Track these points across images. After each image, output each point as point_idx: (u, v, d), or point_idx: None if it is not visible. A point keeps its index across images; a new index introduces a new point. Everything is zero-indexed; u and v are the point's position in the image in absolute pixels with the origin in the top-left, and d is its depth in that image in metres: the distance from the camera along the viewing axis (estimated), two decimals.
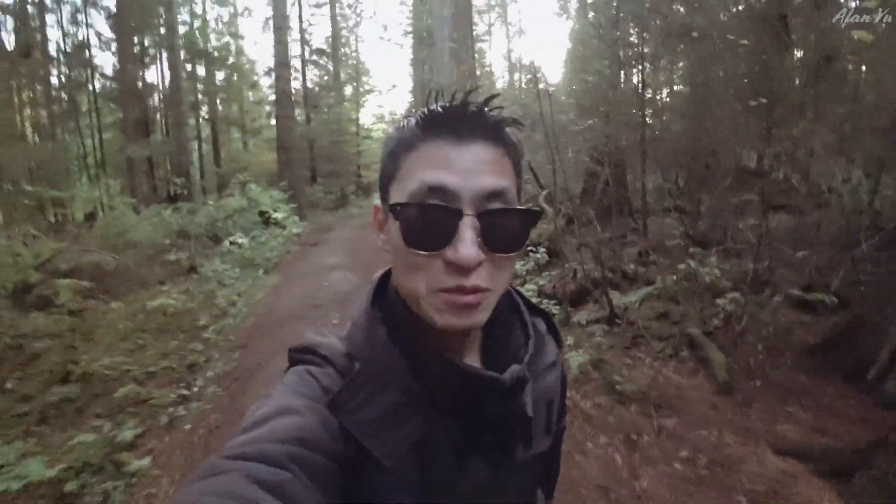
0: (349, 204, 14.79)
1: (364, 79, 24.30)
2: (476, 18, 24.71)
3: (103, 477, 2.02)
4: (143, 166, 13.36)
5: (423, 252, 0.45)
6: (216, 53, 19.15)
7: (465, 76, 7.84)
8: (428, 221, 0.45)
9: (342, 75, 22.18)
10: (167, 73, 15.67)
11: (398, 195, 0.47)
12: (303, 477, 0.41)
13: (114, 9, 12.91)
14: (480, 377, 0.49)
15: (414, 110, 0.52)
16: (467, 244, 0.44)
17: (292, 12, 18.22)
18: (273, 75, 16.18)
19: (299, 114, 17.70)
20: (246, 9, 20.82)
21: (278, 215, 9.08)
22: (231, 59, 20.23)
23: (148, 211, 7.93)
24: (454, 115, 0.47)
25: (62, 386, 2.79)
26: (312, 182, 15.98)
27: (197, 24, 18.49)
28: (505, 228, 0.47)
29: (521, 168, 0.52)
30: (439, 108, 0.48)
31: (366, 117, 23.86)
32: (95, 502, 1.90)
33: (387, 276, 0.57)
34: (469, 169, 0.45)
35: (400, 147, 0.49)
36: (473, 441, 0.51)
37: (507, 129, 0.50)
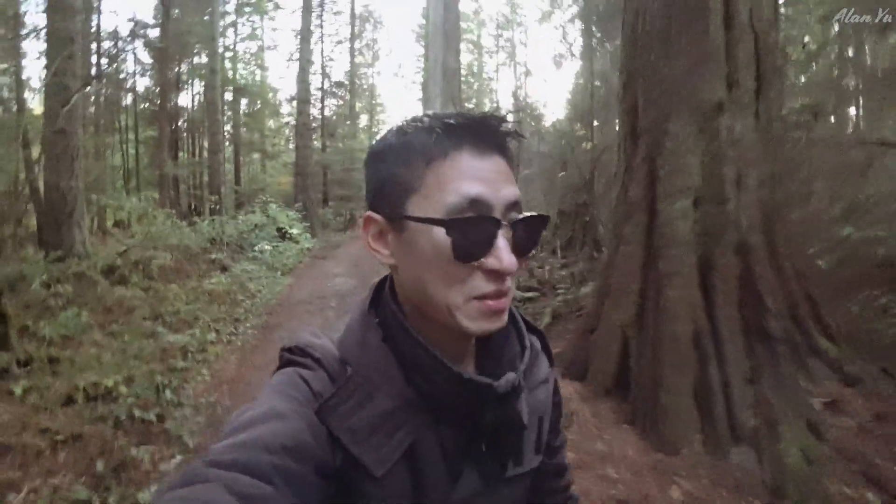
0: (357, 226, 16.62)
1: (378, 109, 26.88)
2: (486, 58, 27.12)
3: (199, 354, 3.74)
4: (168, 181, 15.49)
5: (468, 264, 0.47)
6: (243, 83, 21.53)
7: (452, 97, 9.54)
8: (470, 234, 0.46)
9: (357, 106, 24.60)
10: (194, 97, 18.15)
11: (429, 208, 0.48)
12: (286, 492, 0.41)
13: (157, 41, 15.08)
14: (476, 383, 0.49)
15: (406, 121, 0.52)
16: (508, 252, 0.47)
17: (316, 49, 20.74)
18: (294, 107, 18.50)
19: (316, 138, 19.93)
20: (273, 44, 23.22)
21: (294, 231, 10.89)
22: (256, 89, 22.58)
23: (185, 221, 9.80)
24: (476, 126, 0.49)
25: (156, 322, 4.49)
26: (324, 204, 17.92)
27: (229, 55, 20.88)
28: (529, 235, 0.50)
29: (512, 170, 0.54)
30: (460, 119, 0.49)
31: None
32: (199, 357, 3.64)
33: (383, 282, 0.58)
34: (495, 180, 0.48)
35: (418, 156, 0.49)
36: (467, 450, 0.52)
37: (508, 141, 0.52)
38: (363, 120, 25.90)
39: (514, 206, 0.49)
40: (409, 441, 0.49)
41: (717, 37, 2.78)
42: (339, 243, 12.71)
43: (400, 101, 45.99)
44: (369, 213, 0.53)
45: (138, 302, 5.08)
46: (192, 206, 14.30)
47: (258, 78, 24.01)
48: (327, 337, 0.57)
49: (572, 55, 14.64)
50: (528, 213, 0.50)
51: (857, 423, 2.36)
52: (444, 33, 12.04)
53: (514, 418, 0.54)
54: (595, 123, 9.03)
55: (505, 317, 0.50)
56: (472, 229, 0.46)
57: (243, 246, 9.74)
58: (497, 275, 0.47)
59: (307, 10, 17.21)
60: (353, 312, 0.58)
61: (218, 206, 11.16)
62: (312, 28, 18.71)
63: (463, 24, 22.20)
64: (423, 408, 0.50)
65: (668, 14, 2.93)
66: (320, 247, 11.65)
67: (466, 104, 19.98)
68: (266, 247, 8.86)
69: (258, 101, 22.66)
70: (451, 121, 0.49)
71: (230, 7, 19.26)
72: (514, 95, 25.88)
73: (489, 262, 0.46)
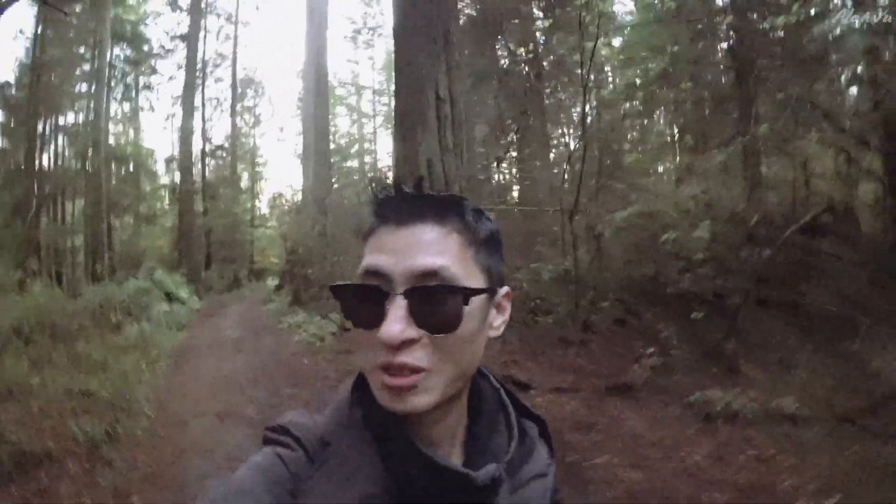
0: (242, 286, 17.85)
1: (259, 170, 28.39)
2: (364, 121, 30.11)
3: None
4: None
5: (361, 330, 0.50)
6: (115, 146, 21.96)
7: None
8: (360, 302, 0.49)
9: (239, 168, 25.96)
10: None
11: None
12: None
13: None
14: (451, 472, 0.49)
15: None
16: (390, 322, 0.46)
17: (197, 113, 22.12)
18: (173, 168, 19.58)
19: (197, 202, 20.93)
20: (150, 105, 24.08)
21: (182, 294, 12.20)
22: (130, 151, 23.04)
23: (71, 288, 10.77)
24: (395, 201, 0.52)
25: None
26: (207, 267, 18.89)
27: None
28: (435, 306, 0.48)
29: (481, 242, 0.53)
30: (387, 195, 0.53)
31: (264, 204, 27.83)
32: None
33: None
34: (402, 250, 0.49)
35: (364, 235, 0.54)
36: None
37: (464, 208, 0.53)
38: (245, 181, 27.15)
39: (427, 276, 0.48)
40: None
41: None
42: (225, 303, 14.07)
43: (283, 162, 47.63)
44: None
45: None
46: (56, 273, 14.57)
47: (131, 138, 24.49)
48: (314, 416, 0.58)
49: None
50: (428, 284, 0.48)
51: None
52: (315, 95, 14.66)
53: None
54: None
55: (417, 400, 0.48)
56: (356, 296, 0.50)
57: (131, 311, 10.87)
58: (384, 345, 0.46)
59: (190, 81, 18.90)
60: (342, 389, 0.59)
61: (102, 272, 12.15)
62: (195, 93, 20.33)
63: (342, 91, 25.19)
64: (400, 498, 0.49)
65: None
66: (207, 306, 12.98)
67: (343, 164, 22.42)
68: (164, 308, 10.25)
69: (131, 163, 23.04)
70: (382, 197, 0.53)
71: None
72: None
73: (378, 331, 0.47)
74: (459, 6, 12.07)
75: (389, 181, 0.56)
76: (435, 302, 0.48)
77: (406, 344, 0.47)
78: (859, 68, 8.30)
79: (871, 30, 7.48)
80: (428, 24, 5.00)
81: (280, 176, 51.69)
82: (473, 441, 0.58)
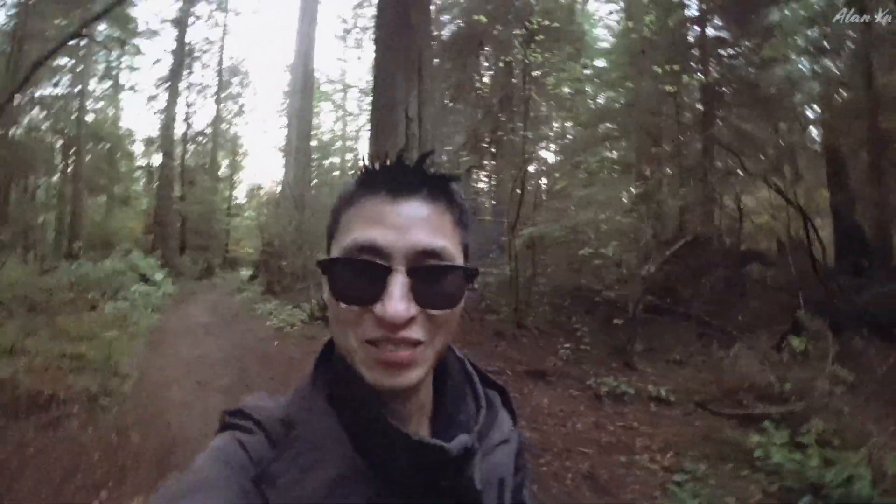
0: (214, 275, 18.32)
1: (239, 160, 28.79)
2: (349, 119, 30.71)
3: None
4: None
5: (353, 307, 0.48)
6: (93, 124, 22.09)
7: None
8: (357, 277, 0.48)
9: (220, 155, 26.35)
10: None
11: (334, 252, 0.51)
12: None
13: None
14: (425, 446, 0.49)
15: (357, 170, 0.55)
16: (395, 299, 0.46)
17: (181, 98, 22.49)
18: (151, 152, 19.95)
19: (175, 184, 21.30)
20: (132, 86, 24.19)
21: (157, 277, 12.73)
22: (108, 130, 23.17)
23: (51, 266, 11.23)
24: (390, 171, 0.50)
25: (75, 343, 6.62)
26: (182, 252, 19.31)
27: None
28: (437, 285, 0.49)
29: (466, 223, 0.54)
30: (376, 165, 0.51)
31: (241, 193, 28.27)
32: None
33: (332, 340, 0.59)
34: (402, 225, 0.48)
35: (339, 204, 0.53)
36: None
37: (451, 186, 0.52)
38: (224, 169, 27.54)
39: (427, 255, 0.49)
40: None
41: None
42: (196, 291, 14.60)
43: (264, 154, 48.04)
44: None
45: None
46: (72, 252, 14.56)
47: (109, 116, 24.59)
48: (276, 399, 0.58)
49: None
50: (434, 263, 0.49)
51: None
52: (301, 92, 15.35)
53: (465, 485, 0.51)
54: None
55: (412, 374, 0.49)
56: (352, 272, 0.48)
57: (106, 291, 11.36)
58: (386, 323, 0.47)
59: (177, 66, 19.32)
60: (305, 372, 0.58)
61: (80, 251, 12.59)
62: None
63: (328, 87, 25.75)
64: (372, 477, 0.49)
65: None
66: (180, 292, 13.52)
67: (324, 162, 23.08)
68: (140, 288, 10.81)
69: (108, 143, 23.16)
70: (372, 167, 0.51)
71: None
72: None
73: (376, 307, 0.47)
74: (445, 18, 13.02)
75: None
76: (438, 281, 0.49)
77: (407, 321, 0.47)
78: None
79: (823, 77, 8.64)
80: (405, 51, 5.83)
81: (260, 167, 51.80)
82: (440, 413, 0.58)
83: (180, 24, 19.87)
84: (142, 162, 25.61)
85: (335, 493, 0.47)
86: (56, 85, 18.00)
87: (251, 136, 54.43)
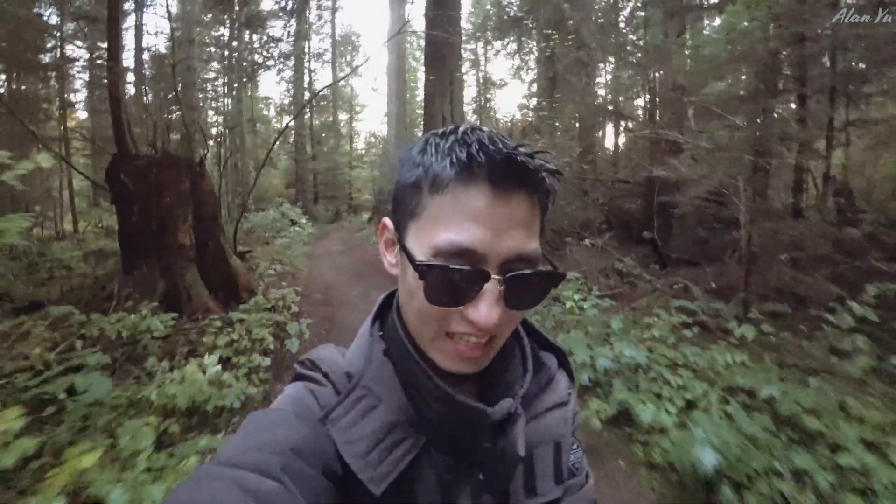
0: (342, 219, 24.21)
1: (357, 116, 34.44)
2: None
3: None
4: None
5: (443, 308, 0.52)
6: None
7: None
8: (451, 281, 0.50)
9: (339, 115, 32.12)
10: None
11: (419, 241, 0.53)
12: (294, 489, 0.46)
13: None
14: (468, 407, 0.55)
15: (434, 136, 0.56)
16: (489, 307, 0.50)
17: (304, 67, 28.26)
18: (285, 118, 26.01)
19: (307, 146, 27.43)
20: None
21: (302, 221, 18.55)
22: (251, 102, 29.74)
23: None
24: (495, 162, 0.50)
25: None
26: (315, 202, 25.49)
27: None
28: (528, 291, 0.53)
29: (548, 206, 0.56)
30: (478, 151, 0.50)
31: (361, 143, 34.14)
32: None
33: (390, 296, 0.66)
34: (501, 227, 0.50)
35: (425, 182, 0.53)
36: (462, 479, 0.58)
37: (549, 178, 0.52)
38: (343, 121, 33.34)
39: (519, 258, 0.51)
40: (408, 459, 0.54)
41: None
42: (329, 231, 20.37)
43: (376, 107, 53.73)
44: (385, 219, 0.61)
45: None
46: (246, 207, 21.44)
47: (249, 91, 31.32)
48: (341, 350, 0.67)
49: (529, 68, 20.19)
50: (529, 270, 0.51)
51: None
52: (395, 74, 19.83)
53: (508, 449, 0.57)
54: None
55: (483, 361, 0.56)
56: (451, 278, 0.50)
57: (270, 232, 17.35)
58: (474, 325, 0.51)
59: (300, 42, 24.68)
60: (362, 326, 0.67)
61: (252, 206, 18.81)
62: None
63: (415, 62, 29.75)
64: (421, 429, 0.56)
65: None
66: (319, 232, 19.32)
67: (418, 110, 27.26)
68: (297, 229, 16.58)
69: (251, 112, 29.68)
70: (471, 151, 0.50)
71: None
72: (477, 104, 33.26)
73: (468, 311, 0.51)
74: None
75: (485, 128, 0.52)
76: (530, 288, 0.52)
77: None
78: None
79: None
80: (443, 73, 9.87)
81: (376, 117, 58.46)
82: (488, 374, 0.62)
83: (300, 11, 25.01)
84: (277, 126, 32.30)
85: (390, 437, 0.54)
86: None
87: (366, 92, 60.83)
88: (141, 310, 4.48)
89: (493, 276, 0.50)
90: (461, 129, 0.54)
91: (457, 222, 0.50)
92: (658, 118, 10.17)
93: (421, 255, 0.52)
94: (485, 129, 0.53)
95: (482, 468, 0.58)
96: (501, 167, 0.49)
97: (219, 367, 3.62)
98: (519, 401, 0.59)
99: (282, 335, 5.20)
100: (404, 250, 0.55)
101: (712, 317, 5.12)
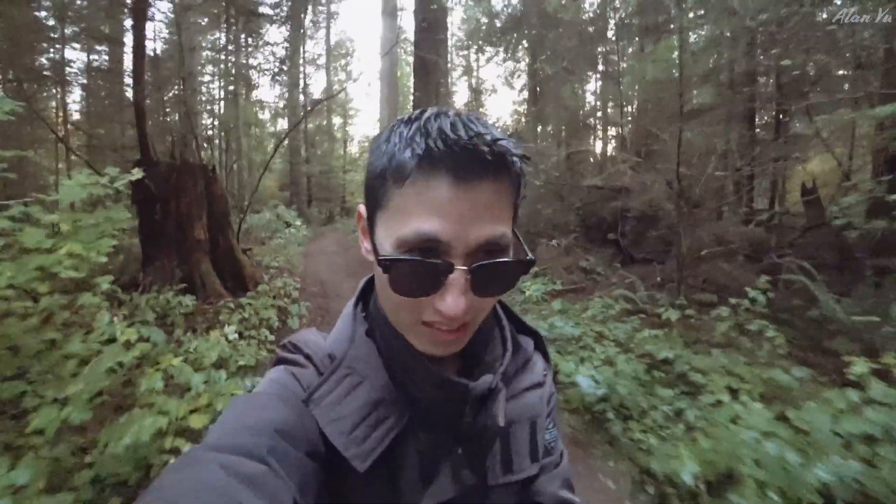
0: (335, 221, 25.16)
1: (350, 120, 35.43)
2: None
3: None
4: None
5: (410, 298, 0.53)
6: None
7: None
8: (417, 273, 0.51)
9: (333, 119, 33.07)
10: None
11: (387, 231, 0.53)
12: (279, 471, 0.47)
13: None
14: (450, 382, 0.57)
15: (399, 122, 0.55)
16: (455, 298, 0.51)
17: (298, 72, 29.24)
18: (277, 120, 27.01)
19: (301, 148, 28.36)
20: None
21: (297, 222, 19.51)
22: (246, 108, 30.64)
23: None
24: (455, 152, 0.49)
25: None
26: (309, 204, 26.43)
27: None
28: (495, 277, 0.53)
29: (520, 189, 0.55)
30: (437, 140, 0.49)
31: (355, 148, 35.09)
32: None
33: (373, 279, 0.66)
34: (465, 217, 0.49)
35: (389, 172, 0.52)
36: (443, 454, 0.60)
37: (516, 162, 0.52)
38: (337, 125, 34.28)
39: (486, 246, 0.51)
40: (392, 435, 0.56)
41: None
42: (323, 232, 21.33)
43: (369, 111, 54.98)
44: (360, 206, 0.61)
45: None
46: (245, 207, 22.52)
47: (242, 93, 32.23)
48: (322, 334, 0.68)
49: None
50: (496, 260, 0.51)
51: None
52: (387, 81, 20.91)
53: (489, 422, 0.59)
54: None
55: (460, 344, 0.57)
56: (414, 270, 0.50)
57: (266, 232, 18.27)
58: (443, 314, 0.51)
59: (295, 45, 25.68)
60: (345, 308, 0.69)
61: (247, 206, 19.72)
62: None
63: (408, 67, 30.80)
64: (404, 406, 0.57)
65: None
66: (313, 234, 20.28)
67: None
68: (291, 230, 17.54)
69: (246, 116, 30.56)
70: (429, 142, 0.49)
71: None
72: (468, 110, 34.24)
73: (435, 302, 0.51)
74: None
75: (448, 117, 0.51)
76: (498, 275, 0.53)
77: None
78: None
79: None
80: (429, 87, 10.91)
81: (369, 122, 59.61)
82: (470, 353, 0.64)
83: (294, 15, 25.99)
84: (271, 129, 33.20)
85: (373, 414, 0.56)
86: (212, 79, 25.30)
87: (359, 96, 62.10)
88: (166, 292, 5.45)
89: (458, 267, 0.50)
90: (426, 114, 0.53)
91: (420, 214, 0.50)
92: (630, 128, 11.26)
93: (388, 246, 0.53)
94: (450, 113, 0.53)
95: (461, 443, 0.61)
96: (463, 157, 0.49)
97: (237, 335, 4.59)
98: (500, 377, 0.63)
99: (284, 317, 6.18)
100: (372, 243, 0.57)
101: (650, 305, 6.13)
